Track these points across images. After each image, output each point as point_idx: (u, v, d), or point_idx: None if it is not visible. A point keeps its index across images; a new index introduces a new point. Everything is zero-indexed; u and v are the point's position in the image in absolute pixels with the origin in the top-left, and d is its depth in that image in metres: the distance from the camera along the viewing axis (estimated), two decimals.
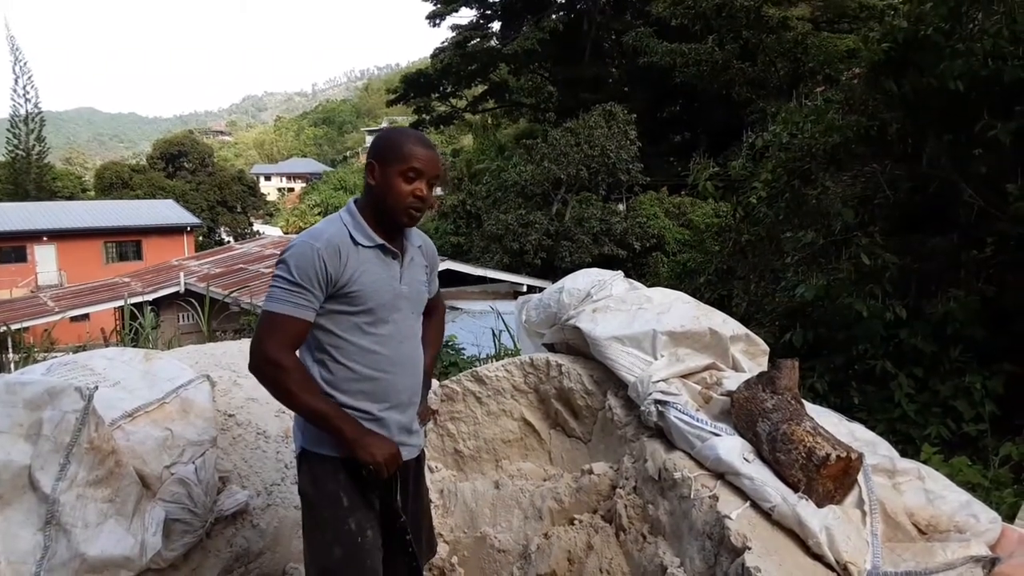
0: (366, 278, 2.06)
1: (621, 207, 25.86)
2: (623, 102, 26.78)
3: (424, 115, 36.82)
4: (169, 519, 2.55)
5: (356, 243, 2.07)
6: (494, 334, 8.48)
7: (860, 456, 2.20)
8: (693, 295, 3.38)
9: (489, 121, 41.05)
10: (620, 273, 3.41)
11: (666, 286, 3.65)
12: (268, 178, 78.00)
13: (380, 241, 2.11)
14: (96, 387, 2.49)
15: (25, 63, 44.86)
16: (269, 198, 65.59)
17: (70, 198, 44.45)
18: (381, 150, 2.12)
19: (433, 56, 36.45)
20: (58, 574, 2.32)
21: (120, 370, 2.94)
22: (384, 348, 2.12)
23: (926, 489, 2.31)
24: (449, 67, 34.54)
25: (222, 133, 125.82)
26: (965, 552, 1.97)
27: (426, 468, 2.44)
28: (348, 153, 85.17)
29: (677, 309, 3.02)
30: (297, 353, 2.11)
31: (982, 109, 5.47)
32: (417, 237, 2.28)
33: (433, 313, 2.45)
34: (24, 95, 44.64)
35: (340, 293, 2.04)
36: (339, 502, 2.06)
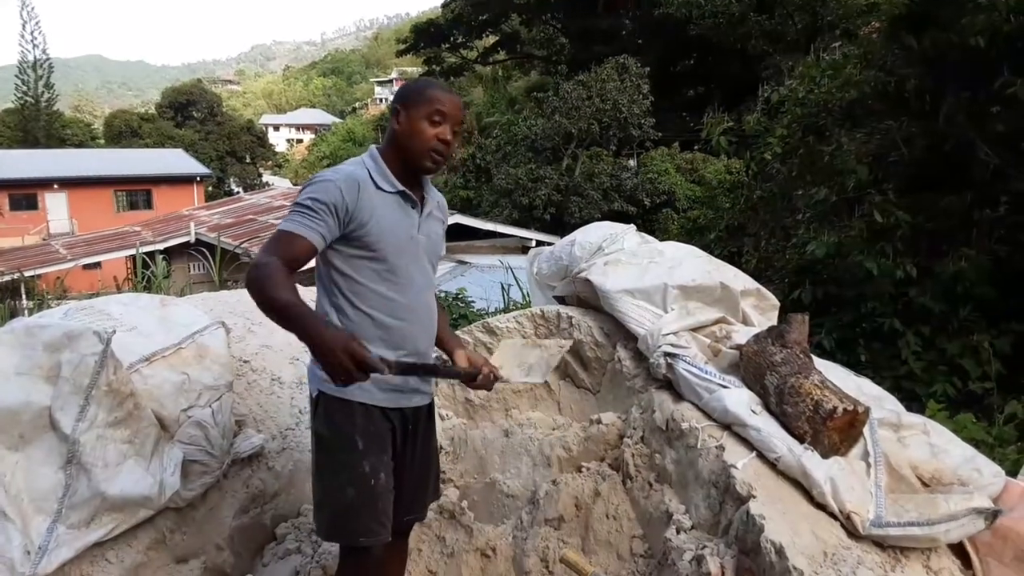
0: (384, 223, 2.06)
1: (632, 163, 25.63)
2: (636, 55, 26.34)
3: (434, 66, 36.36)
4: (187, 460, 2.61)
5: (377, 187, 2.08)
6: (503, 288, 8.51)
7: (867, 410, 2.22)
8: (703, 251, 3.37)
9: (500, 73, 40.48)
10: (632, 227, 3.40)
11: None
12: (277, 128, 77.51)
13: (401, 188, 2.11)
14: (114, 331, 2.53)
15: (32, 8, 44.39)
16: (278, 149, 65.28)
17: (80, 146, 44.27)
18: (407, 95, 2.13)
19: (444, 5, 35.86)
20: (79, 511, 2.39)
21: (136, 315, 2.98)
22: (401, 296, 2.12)
23: (931, 443, 2.34)
24: (460, 17, 33.97)
25: (230, 82, 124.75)
26: (968, 504, 2.01)
27: (437, 416, 2.47)
28: (357, 104, 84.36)
29: (689, 263, 3.03)
30: (315, 298, 2.13)
31: (1002, 66, 5.39)
32: (436, 192, 2.29)
33: None
34: (32, 41, 44.32)
35: (355, 235, 2.03)
36: (354, 445, 2.09)
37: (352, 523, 2.09)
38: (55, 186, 32.38)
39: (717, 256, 3.37)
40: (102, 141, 48.68)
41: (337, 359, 1.80)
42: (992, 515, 2.00)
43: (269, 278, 1.88)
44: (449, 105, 2.09)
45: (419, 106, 2.08)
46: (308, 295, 2.15)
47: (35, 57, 44.47)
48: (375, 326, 2.10)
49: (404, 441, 2.22)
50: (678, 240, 3.81)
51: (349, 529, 2.10)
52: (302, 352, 3.46)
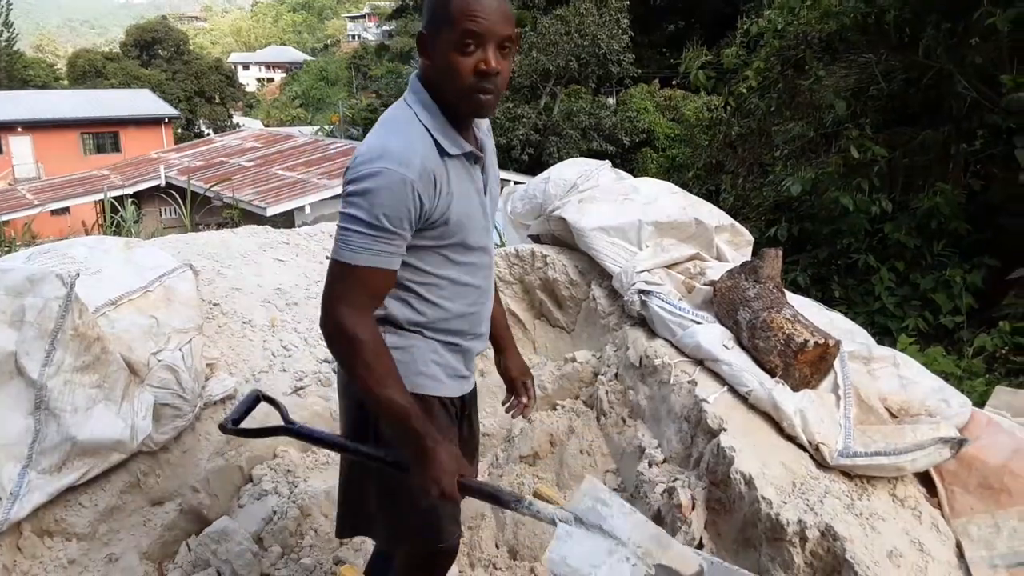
0: (458, 203, 1.62)
1: (611, 101, 25.32)
2: None
3: (408, 1, 35.36)
4: (158, 404, 2.58)
5: (444, 153, 1.59)
6: None
7: (838, 343, 2.24)
8: None
9: None
10: (607, 163, 3.36)
11: None
12: (246, 67, 75.40)
13: (469, 148, 1.64)
14: (78, 274, 2.47)
15: None
16: (248, 89, 63.72)
17: (43, 87, 42.90)
18: (431, 13, 1.56)
19: None
20: (50, 456, 2.37)
21: (101, 258, 2.92)
22: (474, 278, 1.75)
23: (900, 375, 2.37)
24: None
25: (197, 19, 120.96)
26: (934, 434, 2.03)
27: None
28: (329, 41, 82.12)
29: (664, 200, 3.00)
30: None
31: None
32: (484, 122, 1.80)
33: None
34: None
35: (430, 225, 1.59)
36: None
37: (435, 527, 1.82)
38: (19, 129, 31.41)
39: (695, 194, 3.34)
40: (66, 82, 47.17)
41: (437, 485, 1.58)
42: (957, 444, 2.04)
43: (371, 369, 1.55)
44: (485, 15, 1.48)
45: (443, 29, 1.51)
46: None
47: None
48: (450, 318, 1.75)
49: (460, 428, 1.91)
50: (657, 179, 3.78)
51: (431, 534, 1.83)
52: (273, 295, 3.42)
